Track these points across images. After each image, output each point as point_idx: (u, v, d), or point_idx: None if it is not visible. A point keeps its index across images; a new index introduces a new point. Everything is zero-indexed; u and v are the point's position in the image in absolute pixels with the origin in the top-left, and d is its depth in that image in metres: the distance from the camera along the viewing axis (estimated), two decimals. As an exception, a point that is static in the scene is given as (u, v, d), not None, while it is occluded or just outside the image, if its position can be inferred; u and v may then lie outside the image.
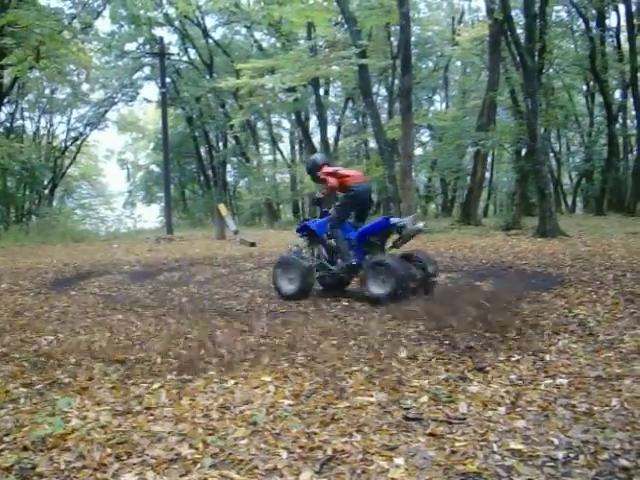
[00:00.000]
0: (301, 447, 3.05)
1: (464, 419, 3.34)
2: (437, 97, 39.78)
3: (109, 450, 3.10)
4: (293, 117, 37.63)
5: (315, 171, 8.37)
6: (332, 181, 8.01)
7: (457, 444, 3.03)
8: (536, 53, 17.69)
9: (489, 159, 28.84)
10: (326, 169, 8.25)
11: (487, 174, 29.89)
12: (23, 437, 3.29)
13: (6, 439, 3.29)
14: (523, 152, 23.36)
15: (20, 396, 4.06)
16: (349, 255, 7.84)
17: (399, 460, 2.86)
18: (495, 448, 2.96)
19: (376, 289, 7.23)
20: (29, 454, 3.09)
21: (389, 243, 8.17)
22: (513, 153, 27.21)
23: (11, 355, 5.20)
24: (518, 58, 16.63)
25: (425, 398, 3.67)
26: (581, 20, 26.73)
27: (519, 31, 17.94)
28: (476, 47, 27.14)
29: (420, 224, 8.09)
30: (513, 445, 2.99)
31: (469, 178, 25.06)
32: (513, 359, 4.47)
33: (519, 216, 19.46)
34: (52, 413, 3.65)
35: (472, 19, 33.24)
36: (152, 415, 3.58)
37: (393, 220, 7.88)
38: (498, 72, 22.26)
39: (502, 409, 3.46)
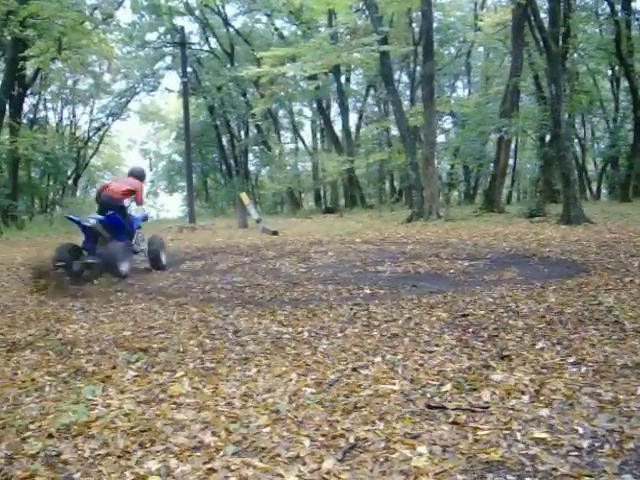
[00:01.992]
0: (323, 435, 3.04)
1: (487, 407, 3.31)
2: (459, 83, 39.51)
3: (132, 438, 3.12)
4: (314, 105, 37.59)
5: None
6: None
7: (480, 432, 3.00)
8: (560, 37, 17.44)
9: (512, 146, 28.54)
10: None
11: (510, 161, 29.62)
12: (48, 425, 3.33)
13: (31, 426, 3.33)
14: (547, 138, 23.14)
15: (45, 384, 4.10)
16: None
17: (422, 448, 2.84)
18: (519, 437, 2.93)
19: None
20: (54, 441, 3.12)
21: None
22: (537, 139, 26.99)
23: (36, 344, 5.26)
24: (542, 43, 16.49)
25: (448, 386, 3.64)
26: (606, 3, 26.33)
27: (542, 15, 17.72)
28: (499, 32, 26.80)
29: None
30: (537, 434, 2.95)
31: (492, 165, 24.81)
32: (537, 347, 4.43)
33: (543, 203, 19.27)
34: (76, 401, 3.68)
35: (495, 4, 32.82)
36: (175, 403, 3.59)
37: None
38: (521, 57, 21.99)
39: (526, 397, 3.43)
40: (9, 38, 23.05)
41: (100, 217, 9.75)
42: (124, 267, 9.42)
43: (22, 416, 3.49)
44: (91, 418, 3.38)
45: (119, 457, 2.92)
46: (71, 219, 10.31)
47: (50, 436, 3.19)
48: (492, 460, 2.71)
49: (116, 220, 9.80)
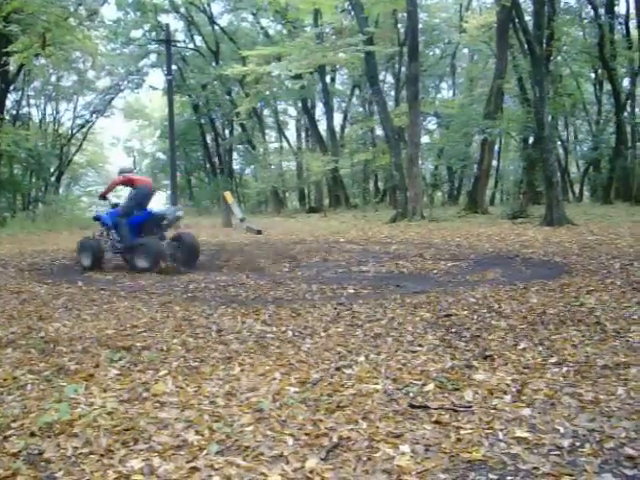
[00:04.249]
0: (307, 434, 3.04)
1: (470, 407, 3.33)
2: (444, 85, 39.75)
3: (116, 436, 3.10)
4: (299, 105, 37.62)
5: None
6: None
7: (463, 432, 3.01)
8: (544, 40, 17.56)
9: (496, 147, 28.72)
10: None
11: (494, 162, 29.80)
12: (30, 423, 3.30)
13: (13, 425, 3.30)
14: (530, 140, 23.30)
15: (27, 382, 4.07)
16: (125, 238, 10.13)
17: (405, 447, 2.85)
18: (501, 436, 2.95)
19: (141, 263, 9.62)
20: (36, 440, 3.10)
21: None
22: (520, 141, 27.17)
23: (18, 342, 5.22)
24: (526, 45, 16.59)
25: (431, 386, 3.66)
26: (590, 7, 26.56)
27: (527, 18, 17.83)
28: (484, 34, 26.96)
29: (179, 212, 11.08)
30: (519, 433, 2.97)
31: (476, 166, 24.96)
32: (519, 347, 4.46)
33: (526, 204, 19.43)
34: (59, 399, 3.65)
35: (480, 6, 33.03)
36: (158, 402, 3.58)
37: (155, 211, 10.48)
38: (506, 59, 22.15)
39: (508, 397, 3.45)
40: (-8, 33, 22.89)
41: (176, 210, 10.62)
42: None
43: (4, 414, 3.46)
44: (74, 417, 3.36)
45: (102, 456, 2.91)
46: (148, 212, 10.43)
47: (32, 434, 3.16)
48: (474, 459, 2.73)
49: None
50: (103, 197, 11.51)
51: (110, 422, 3.28)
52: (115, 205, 10.96)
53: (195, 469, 2.73)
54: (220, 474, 2.67)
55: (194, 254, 10.28)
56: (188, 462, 2.80)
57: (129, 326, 5.66)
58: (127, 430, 3.17)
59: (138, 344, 4.93)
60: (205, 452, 2.89)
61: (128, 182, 10.47)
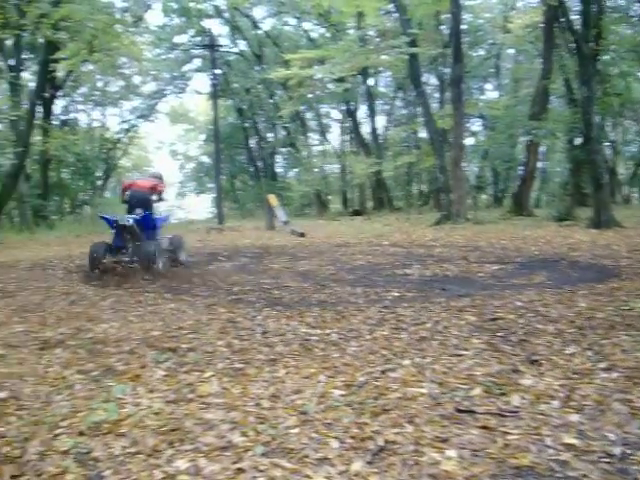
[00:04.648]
0: (352, 437, 3.04)
1: (517, 412, 3.28)
2: (489, 86, 39.28)
3: (162, 437, 3.14)
4: (343, 107, 37.60)
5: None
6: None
7: (510, 437, 2.98)
8: (592, 39, 17.25)
9: (542, 149, 28.28)
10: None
11: (539, 164, 29.34)
12: (79, 422, 3.36)
13: (63, 424, 3.36)
14: (577, 141, 22.90)
15: (76, 382, 4.14)
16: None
17: (451, 452, 2.83)
18: (549, 442, 2.90)
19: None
20: (85, 439, 3.15)
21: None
22: (566, 142, 26.68)
23: (67, 342, 5.32)
24: (573, 44, 16.28)
25: (477, 390, 3.62)
26: (638, 4, 25.96)
27: (574, 17, 17.55)
28: (529, 34, 26.60)
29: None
30: (567, 439, 2.92)
31: (521, 168, 24.63)
32: (567, 352, 4.38)
33: (572, 207, 19.10)
34: (107, 399, 3.72)
35: (525, 5, 32.54)
36: (204, 403, 3.61)
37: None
38: (552, 59, 21.81)
39: (556, 403, 3.39)
40: (41, 41, 23.39)
41: (135, 216, 9.97)
42: (160, 265, 9.74)
43: (53, 413, 3.53)
44: (121, 416, 3.41)
45: (149, 455, 2.95)
46: (106, 218, 10.50)
47: (81, 434, 3.22)
48: (522, 465, 2.69)
49: (149, 219, 10.16)
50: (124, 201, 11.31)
51: (157, 422, 3.32)
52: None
53: (240, 470, 2.75)
54: (265, 476, 2.69)
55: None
56: (234, 463, 2.82)
57: (175, 327, 5.72)
58: (173, 430, 3.21)
59: (184, 345, 4.99)
60: (250, 453, 2.91)
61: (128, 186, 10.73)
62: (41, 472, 2.83)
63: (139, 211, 10.04)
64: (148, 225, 10.22)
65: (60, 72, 28.60)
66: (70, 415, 3.49)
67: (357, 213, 31.00)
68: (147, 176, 11.30)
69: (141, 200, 10.31)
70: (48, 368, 4.54)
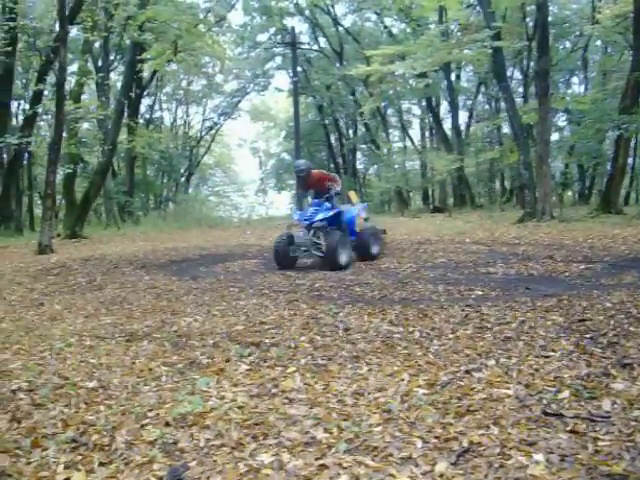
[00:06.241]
0: (436, 437, 3.01)
1: (608, 417, 3.17)
2: (575, 79, 38.11)
3: (246, 430, 3.19)
4: (424, 103, 37.31)
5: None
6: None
7: (601, 443, 2.88)
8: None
9: (632, 144, 27.26)
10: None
11: (630, 160, 28.27)
12: (165, 413, 3.46)
13: (149, 414, 3.46)
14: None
15: (162, 374, 4.26)
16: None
17: (538, 456, 2.76)
18: (643, 450, 2.80)
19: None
20: (171, 430, 3.23)
21: None
22: (660, 137, 25.68)
23: (153, 335, 5.47)
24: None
25: (566, 393, 3.51)
26: None
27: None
28: (618, 25, 25.63)
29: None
30: (663, 447, 2.80)
31: (609, 164, 23.79)
32: (661, 356, 4.21)
33: (665, 204, 18.33)
34: (192, 392, 3.80)
35: (614, -5, 31.49)
36: (287, 398, 3.65)
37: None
38: (644, 51, 20.96)
39: (650, 408, 3.26)
40: (128, 42, 24.09)
41: (326, 216, 10.24)
42: (344, 259, 9.91)
43: (141, 404, 3.63)
44: (206, 409, 3.48)
45: (233, 448, 2.99)
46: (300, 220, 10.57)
47: (167, 424, 3.31)
48: (614, 473, 2.60)
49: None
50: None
51: (241, 416, 3.37)
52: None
53: (324, 466, 2.75)
54: (348, 473, 2.69)
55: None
56: (317, 459, 2.83)
57: (257, 322, 5.79)
58: (257, 425, 3.25)
59: (267, 340, 5.04)
60: (334, 450, 2.91)
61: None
62: (129, 461, 2.91)
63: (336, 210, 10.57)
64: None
65: (146, 72, 29.45)
66: (156, 406, 3.59)
67: (438, 210, 30.60)
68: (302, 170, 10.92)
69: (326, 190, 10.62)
70: (135, 360, 4.67)
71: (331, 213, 10.40)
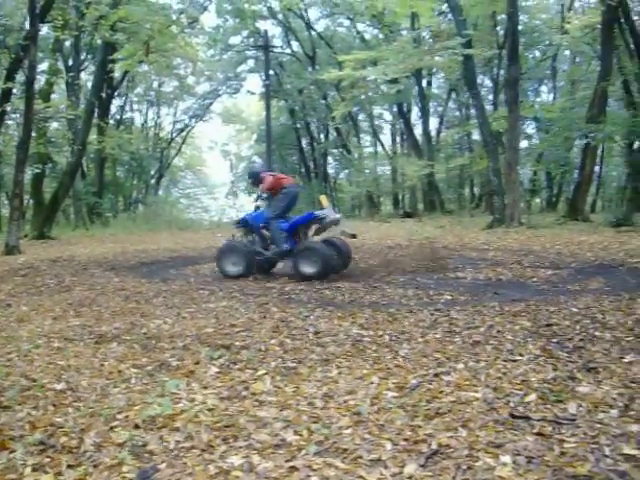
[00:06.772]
0: (405, 439, 3.03)
1: (574, 420, 3.22)
2: (544, 88, 38.58)
3: (216, 432, 3.19)
4: (395, 109, 37.50)
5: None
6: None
7: (567, 445, 2.92)
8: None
9: (599, 152, 27.67)
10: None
11: (596, 168, 28.70)
12: (135, 415, 3.44)
13: (119, 416, 3.45)
14: (636, 145, 22.37)
15: (131, 376, 4.23)
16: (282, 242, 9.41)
17: (506, 458, 2.79)
18: (607, 452, 2.84)
19: (307, 269, 8.82)
20: (140, 432, 3.22)
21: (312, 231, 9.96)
22: (625, 146, 26.07)
23: (122, 337, 5.44)
24: (633, 46, 15.89)
25: (533, 396, 3.56)
26: None
27: (635, 17, 17.14)
28: (587, 35, 26.05)
29: (337, 215, 9.88)
30: (627, 450, 2.85)
31: (577, 172, 24.13)
32: (625, 360, 4.28)
33: (631, 212, 18.61)
34: (161, 394, 3.78)
35: (583, 6, 31.90)
36: (257, 401, 3.65)
37: (317, 213, 9.57)
38: (611, 61, 21.32)
39: (614, 412, 3.31)
40: (100, 42, 23.91)
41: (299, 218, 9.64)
42: (230, 269, 9.46)
43: (110, 406, 3.61)
44: (176, 411, 3.47)
45: (203, 450, 2.99)
46: (312, 213, 9.76)
47: (136, 427, 3.29)
48: (579, 474, 2.65)
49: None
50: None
51: (211, 418, 3.37)
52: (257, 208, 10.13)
53: (294, 469, 2.76)
54: (319, 475, 2.70)
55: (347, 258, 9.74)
56: (287, 461, 2.84)
57: (228, 325, 5.79)
58: (227, 427, 3.25)
59: (237, 343, 5.04)
60: (304, 452, 2.93)
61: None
62: (97, 463, 2.90)
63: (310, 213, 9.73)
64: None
65: (117, 72, 29.23)
66: (126, 408, 3.57)
67: (408, 215, 30.78)
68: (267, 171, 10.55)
69: (296, 198, 9.91)
70: (104, 362, 4.63)
71: (241, 216, 10.36)
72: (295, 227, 9.55)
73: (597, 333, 5.05)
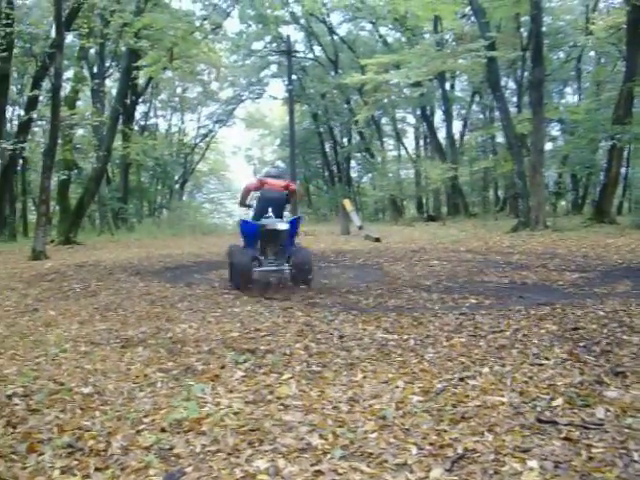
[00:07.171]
0: (431, 444, 3.02)
1: (602, 425, 3.18)
2: (569, 89, 38.28)
3: (242, 436, 3.19)
4: (418, 112, 37.41)
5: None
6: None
7: (594, 450, 2.89)
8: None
9: (625, 154, 27.36)
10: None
11: (622, 169, 28.38)
12: (161, 419, 3.45)
13: (145, 420, 3.46)
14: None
15: (157, 380, 4.25)
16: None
17: (532, 463, 2.77)
18: (636, 457, 2.80)
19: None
20: (166, 435, 3.23)
21: None
22: (653, 147, 25.79)
23: (148, 341, 5.47)
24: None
25: (559, 401, 3.53)
26: None
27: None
28: (612, 36, 25.79)
29: (278, 223, 8.74)
30: (656, 455, 2.82)
31: (602, 174, 23.89)
32: (654, 364, 4.23)
33: (658, 214, 18.39)
34: (187, 398, 3.80)
35: (607, 6, 31.58)
36: (283, 405, 3.65)
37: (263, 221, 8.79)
38: (636, 61, 21.08)
39: (643, 416, 3.28)
40: (124, 49, 24.14)
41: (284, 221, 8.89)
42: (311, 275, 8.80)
43: (136, 410, 3.63)
44: (202, 415, 3.48)
45: (229, 454, 3.00)
46: (247, 223, 9.04)
47: (163, 430, 3.31)
48: (607, 479, 2.62)
49: (296, 224, 9.10)
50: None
51: (236, 422, 3.37)
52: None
53: (319, 472, 2.76)
54: (344, 479, 2.70)
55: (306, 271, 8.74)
56: (312, 465, 2.83)
57: (252, 329, 5.79)
58: (253, 431, 3.25)
59: (262, 347, 5.04)
60: (329, 456, 2.92)
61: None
62: (124, 466, 2.91)
63: (270, 214, 8.84)
64: (293, 231, 9.02)
65: (141, 79, 29.51)
66: (152, 412, 3.59)
67: (432, 219, 30.66)
68: (275, 172, 10.07)
69: (276, 201, 9.04)
70: (130, 366, 4.67)
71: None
72: (252, 234, 8.94)
73: (625, 337, 4.99)
